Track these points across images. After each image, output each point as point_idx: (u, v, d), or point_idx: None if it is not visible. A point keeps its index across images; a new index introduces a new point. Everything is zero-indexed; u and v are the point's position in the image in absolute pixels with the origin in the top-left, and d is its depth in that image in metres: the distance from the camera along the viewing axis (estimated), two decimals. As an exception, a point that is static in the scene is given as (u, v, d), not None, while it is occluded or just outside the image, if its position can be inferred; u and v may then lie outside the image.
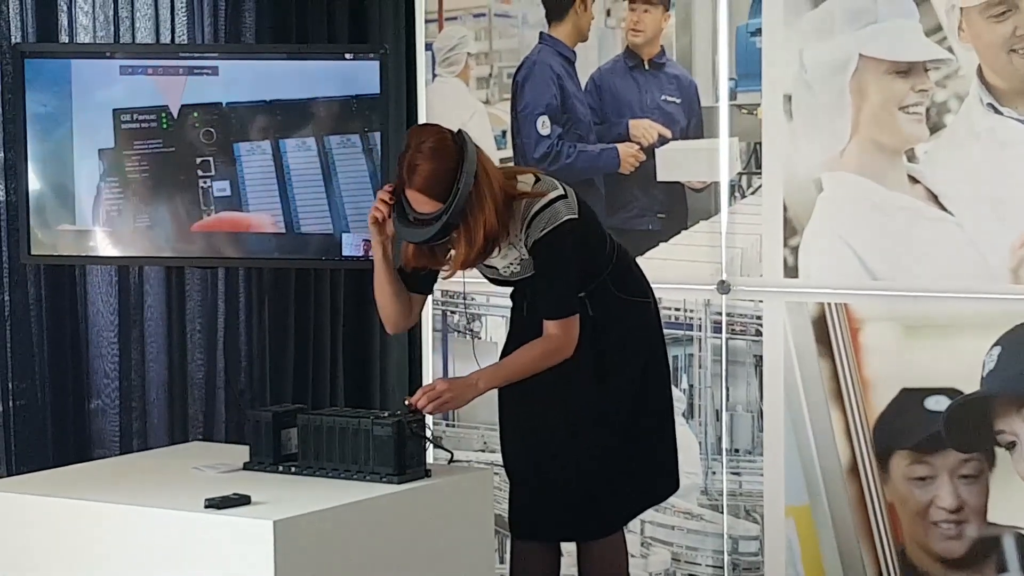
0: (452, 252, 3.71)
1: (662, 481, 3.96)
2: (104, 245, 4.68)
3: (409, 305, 3.86)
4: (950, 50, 4.39)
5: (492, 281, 3.88)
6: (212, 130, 4.57)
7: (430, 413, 3.67)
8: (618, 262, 3.89)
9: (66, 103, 4.56)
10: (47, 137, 4.58)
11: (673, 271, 4.85)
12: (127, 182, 4.55)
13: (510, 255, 3.74)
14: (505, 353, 3.88)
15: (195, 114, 4.56)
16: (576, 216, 3.72)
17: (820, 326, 4.63)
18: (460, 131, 3.67)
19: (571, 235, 3.69)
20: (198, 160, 4.56)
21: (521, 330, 3.84)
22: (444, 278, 3.84)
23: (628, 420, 3.84)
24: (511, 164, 5.05)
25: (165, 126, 4.56)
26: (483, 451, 5.06)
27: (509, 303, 3.94)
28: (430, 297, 5.24)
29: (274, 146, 4.57)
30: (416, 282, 3.85)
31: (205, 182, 4.56)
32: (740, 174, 4.76)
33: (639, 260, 4.73)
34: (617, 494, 3.85)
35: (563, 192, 3.72)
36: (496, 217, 3.62)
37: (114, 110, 4.55)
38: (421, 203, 3.61)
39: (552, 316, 3.71)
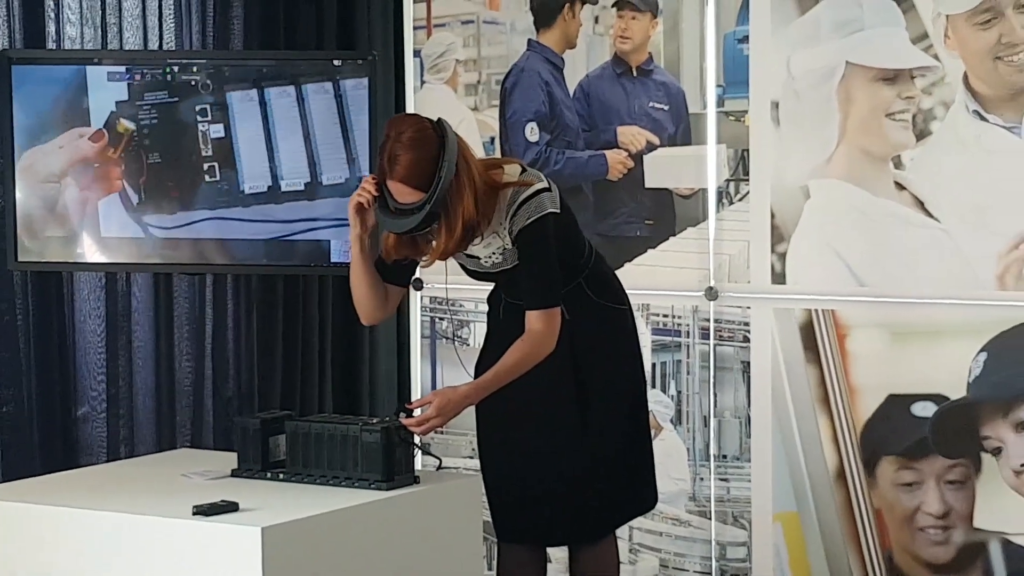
0: (433, 242, 3.69)
1: (645, 491, 3.96)
2: (91, 251, 4.69)
3: (385, 297, 3.81)
4: (936, 57, 4.40)
5: (473, 275, 3.84)
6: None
7: (418, 433, 3.66)
8: (594, 267, 3.88)
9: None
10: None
11: (661, 277, 4.85)
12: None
13: (493, 244, 3.73)
14: (482, 356, 3.89)
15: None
16: (559, 212, 3.71)
17: (807, 332, 4.64)
18: (440, 120, 3.65)
19: (553, 227, 3.69)
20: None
21: (498, 334, 3.83)
22: (423, 267, 3.82)
23: (609, 425, 3.83)
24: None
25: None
26: (471, 458, 5.06)
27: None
28: (417, 304, 5.29)
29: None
30: (394, 273, 3.82)
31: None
32: (728, 181, 4.76)
33: (627, 266, 4.79)
34: (600, 500, 3.85)
35: (548, 186, 3.72)
36: (475, 205, 3.60)
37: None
38: (403, 193, 3.59)
39: (536, 306, 3.68)
